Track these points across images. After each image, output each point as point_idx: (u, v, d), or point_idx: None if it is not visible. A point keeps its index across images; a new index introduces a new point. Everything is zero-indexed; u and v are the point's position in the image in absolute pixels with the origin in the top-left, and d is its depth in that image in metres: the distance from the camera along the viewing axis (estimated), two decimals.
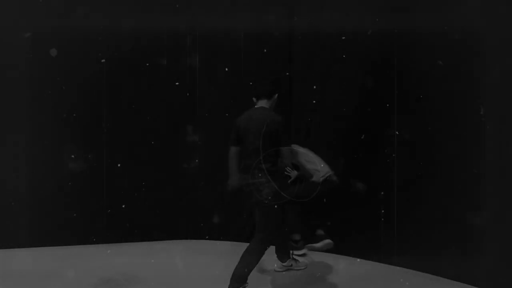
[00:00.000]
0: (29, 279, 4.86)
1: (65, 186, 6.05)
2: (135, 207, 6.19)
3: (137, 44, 6.23)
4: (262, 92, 4.47)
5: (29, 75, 6.01)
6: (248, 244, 4.33)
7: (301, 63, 6.05)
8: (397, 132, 5.13)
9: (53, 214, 6.05)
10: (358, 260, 5.46)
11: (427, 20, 4.94)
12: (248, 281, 4.19)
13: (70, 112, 6.08)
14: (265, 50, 6.05)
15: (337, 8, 5.64)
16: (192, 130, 6.36)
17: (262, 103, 4.46)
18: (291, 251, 5.10)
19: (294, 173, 5.10)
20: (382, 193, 5.28)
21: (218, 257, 5.63)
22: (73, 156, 6.01)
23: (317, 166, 5.09)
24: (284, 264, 5.06)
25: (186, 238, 6.46)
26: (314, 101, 5.87)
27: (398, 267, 5.22)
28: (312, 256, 5.40)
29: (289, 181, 5.01)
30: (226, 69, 6.18)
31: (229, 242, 6.27)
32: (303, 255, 5.18)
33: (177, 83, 6.34)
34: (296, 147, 5.08)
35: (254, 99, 4.53)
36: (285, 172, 4.99)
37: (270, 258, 4.79)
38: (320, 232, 5.08)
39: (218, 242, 6.34)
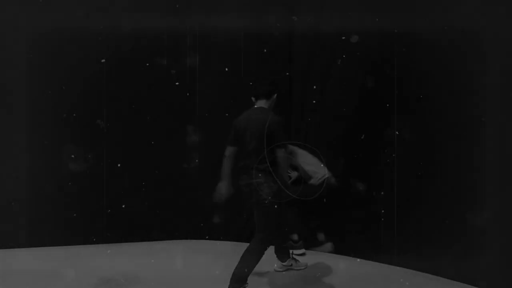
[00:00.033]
0: (29, 279, 4.86)
1: (65, 186, 6.05)
2: (135, 207, 6.18)
3: (137, 44, 6.22)
4: (261, 92, 4.46)
5: (29, 75, 6.01)
6: (248, 244, 4.33)
7: (301, 63, 6.05)
8: (397, 132, 5.13)
9: (53, 214, 6.05)
10: (358, 260, 5.47)
11: (427, 20, 4.94)
12: (248, 281, 4.19)
13: (70, 112, 6.08)
14: (265, 50, 6.05)
15: (337, 8, 5.64)
16: (192, 130, 6.36)
17: (261, 103, 4.45)
18: (290, 251, 5.11)
19: (294, 174, 5.10)
20: (382, 193, 5.28)
21: (218, 257, 5.63)
22: (73, 156, 6.01)
23: (316, 168, 5.09)
24: (284, 263, 5.06)
25: (186, 238, 6.45)
26: (314, 101, 5.87)
27: (398, 267, 5.22)
28: (312, 256, 5.41)
29: (289, 181, 5.01)
30: (226, 69, 6.17)
31: (229, 242, 6.27)
32: (303, 254, 5.18)
33: (177, 83, 6.34)
34: (292, 148, 5.06)
35: (253, 98, 4.53)
36: (286, 173, 4.99)
37: (270, 258, 4.79)
38: (321, 237, 5.08)
39: (218, 242, 6.34)
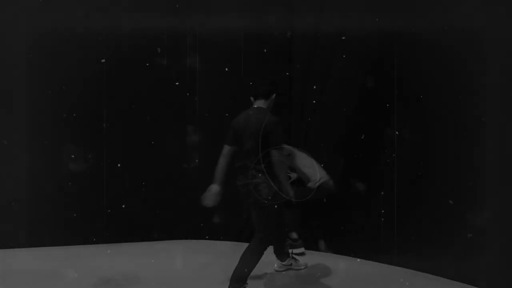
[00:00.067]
0: (29, 279, 4.87)
1: (65, 186, 6.05)
2: (135, 207, 6.18)
3: (137, 44, 6.23)
4: (260, 92, 4.45)
5: (29, 75, 6.01)
6: (248, 244, 4.33)
7: (301, 63, 6.05)
8: (397, 132, 5.13)
9: (53, 214, 6.05)
10: (358, 260, 5.47)
11: (427, 20, 4.94)
12: (248, 281, 4.19)
13: (70, 112, 6.08)
14: (265, 50, 6.05)
15: (337, 8, 5.64)
16: (192, 130, 6.36)
17: (260, 103, 4.44)
18: (290, 250, 5.10)
19: (294, 175, 5.10)
20: (382, 193, 5.28)
21: (218, 257, 5.63)
22: (73, 156, 6.01)
23: (313, 171, 5.07)
24: (283, 263, 5.06)
25: (186, 238, 6.45)
26: (314, 101, 5.87)
27: (398, 267, 5.22)
28: (312, 256, 5.41)
29: (289, 182, 5.00)
30: (226, 69, 6.17)
31: (229, 242, 6.27)
32: (302, 254, 5.17)
33: (177, 83, 6.34)
34: (290, 149, 5.04)
35: (251, 98, 4.52)
36: (286, 173, 4.99)
37: (270, 258, 4.79)
38: (322, 244, 5.07)
39: (218, 242, 6.34)
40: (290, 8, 6.05)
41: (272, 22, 6.04)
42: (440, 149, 4.89)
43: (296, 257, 5.14)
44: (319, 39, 5.83)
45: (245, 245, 4.37)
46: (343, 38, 5.55)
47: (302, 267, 5.13)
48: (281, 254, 5.01)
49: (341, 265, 5.30)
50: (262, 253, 4.27)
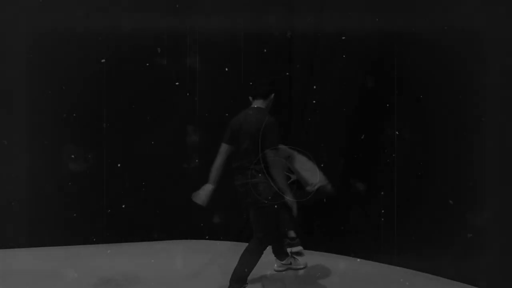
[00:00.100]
0: (29, 279, 4.87)
1: (65, 186, 6.05)
2: (135, 207, 6.18)
3: (137, 44, 6.23)
4: (259, 92, 4.44)
5: (29, 75, 6.01)
6: (247, 244, 4.33)
7: (301, 63, 6.05)
8: (397, 132, 5.13)
9: (53, 214, 6.05)
10: (358, 260, 5.46)
11: (427, 20, 4.94)
12: (248, 281, 4.19)
13: (70, 112, 6.08)
14: (265, 50, 6.05)
15: (337, 8, 5.63)
16: (192, 130, 6.36)
17: (258, 103, 4.43)
18: (289, 249, 5.08)
19: (294, 176, 5.09)
20: (382, 193, 5.28)
21: (218, 257, 5.63)
22: (73, 156, 6.01)
23: (312, 175, 5.04)
24: (283, 262, 5.05)
25: (186, 238, 6.45)
26: (314, 101, 5.87)
27: (398, 267, 5.22)
28: (312, 256, 5.40)
29: (288, 182, 4.99)
30: (226, 69, 6.17)
31: (229, 242, 6.27)
32: (300, 253, 5.14)
33: (177, 83, 6.34)
34: (290, 152, 5.02)
35: (250, 98, 4.51)
36: (285, 173, 4.97)
37: (269, 258, 4.78)
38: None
39: (218, 242, 6.34)
40: (290, 8, 6.05)
41: (272, 22, 6.04)
42: (440, 149, 4.89)
43: (295, 256, 5.12)
44: (319, 39, 5.83)
45: (245, 245, 4.36)
46: (343, 38, 5.55)
47: (302, 266, 5.10)
48: (280, 253, 5.00)
49: (341, 265, 5.30)
50: (262, 253, 4.26)
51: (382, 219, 5.25)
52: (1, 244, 5.91)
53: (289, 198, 4.24)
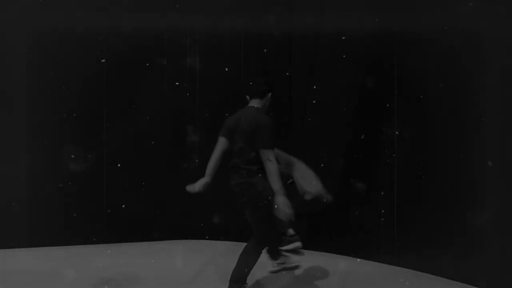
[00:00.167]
0: (29, 279, 4.86)
1: (65, 186, 6.05)
2: (135, 207, 6.18)
3: (137, 44, 6.22)
4: (256, 91, 4.44)
5: (29, 75, 6.01)
6: (246, 244, 4.32)
7: (301, 63, 6.04)
8: (397, 132, 5.12)
9: (53, 214, 6.04)
10: (358, 260, 5.46)
11: (427, 20, 4.94)
12: (247, 281, 4.19)
13: (70, 112, 6.07)
14: (265, 50, 6.05)
15: (337, 8, 5.63)
16: (192, 130, 6.35)
17: (255, 103, 4.42)
18: (285, 247, 5.05)
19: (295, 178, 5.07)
20: (382, 193, 5.27)
21: (218, 257, 5.62)
22: (73, 156, 6.01)
23: (310, 184, 5.01)
24: (277, 261, 5.02)
25: (186, 238, 6.45)
26: (314, 101, 5.86)
27: (398, 267, 5.21)
28: (312, 256, 5.40)
29: (288, 183, 4.98)
30: (226, 69, 6.17)
31: (229, 242, 6.26)
32: (296, 251, 5.13)
33: (177, 83, 6.34)
34: (290, 159, 5.00)
35: (247, 97, 4.51)
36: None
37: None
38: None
39: (218, 242, 6.33)
40: (290, 8, 6.04)
41: (272, 22, 6.04)
42: (440, 149, 4.89)
43: (288, 254, 5.09)
44: (319, 39, 5.83)
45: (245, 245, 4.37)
46: (343, 38, 5.54)
47: (295, 264, 5.05)
48: (274, 253, 4.96)
49: (341, 265, 5.29)
50: (260, 253, 4.26)
51: (382, 219, 5.25)
52: (1, 244, 5.90)
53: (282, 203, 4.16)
